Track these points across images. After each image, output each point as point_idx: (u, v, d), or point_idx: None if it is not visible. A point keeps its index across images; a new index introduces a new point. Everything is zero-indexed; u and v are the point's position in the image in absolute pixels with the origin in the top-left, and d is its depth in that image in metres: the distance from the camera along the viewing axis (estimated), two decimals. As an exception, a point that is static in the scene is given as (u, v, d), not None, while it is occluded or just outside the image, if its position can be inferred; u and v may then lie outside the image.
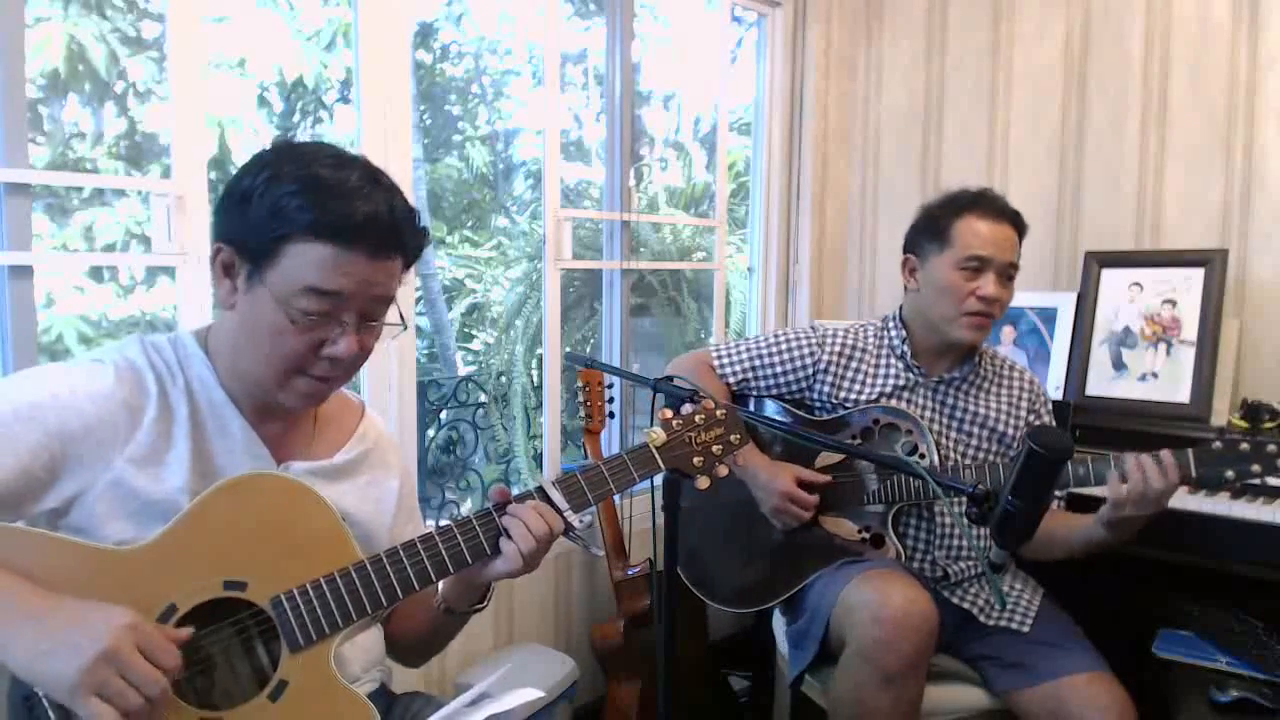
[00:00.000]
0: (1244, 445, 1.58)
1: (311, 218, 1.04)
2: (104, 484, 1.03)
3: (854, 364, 1.90)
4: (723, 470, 1.25)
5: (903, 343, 1.88)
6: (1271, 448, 1.58)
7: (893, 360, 1.89)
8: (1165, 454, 1.55)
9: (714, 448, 1.24)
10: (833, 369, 1.90)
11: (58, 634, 0.90)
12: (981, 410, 1.86)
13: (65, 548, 0.99)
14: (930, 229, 1.84)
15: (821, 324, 2.00)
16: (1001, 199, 1.84)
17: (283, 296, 1.05)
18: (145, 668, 0.90)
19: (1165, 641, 1.86)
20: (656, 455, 1.21)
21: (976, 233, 1.77)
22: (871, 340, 1.92)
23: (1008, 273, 1.79)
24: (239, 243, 1.07)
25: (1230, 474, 1.58)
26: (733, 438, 1.25)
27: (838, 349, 1.91)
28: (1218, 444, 1.60)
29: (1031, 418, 1.89)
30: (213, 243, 1.10)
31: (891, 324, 1.92)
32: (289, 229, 1.04)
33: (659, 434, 1.22)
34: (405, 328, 1.17)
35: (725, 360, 1.95)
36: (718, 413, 1.25)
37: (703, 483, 1.24)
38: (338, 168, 1.08)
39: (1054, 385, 2.42)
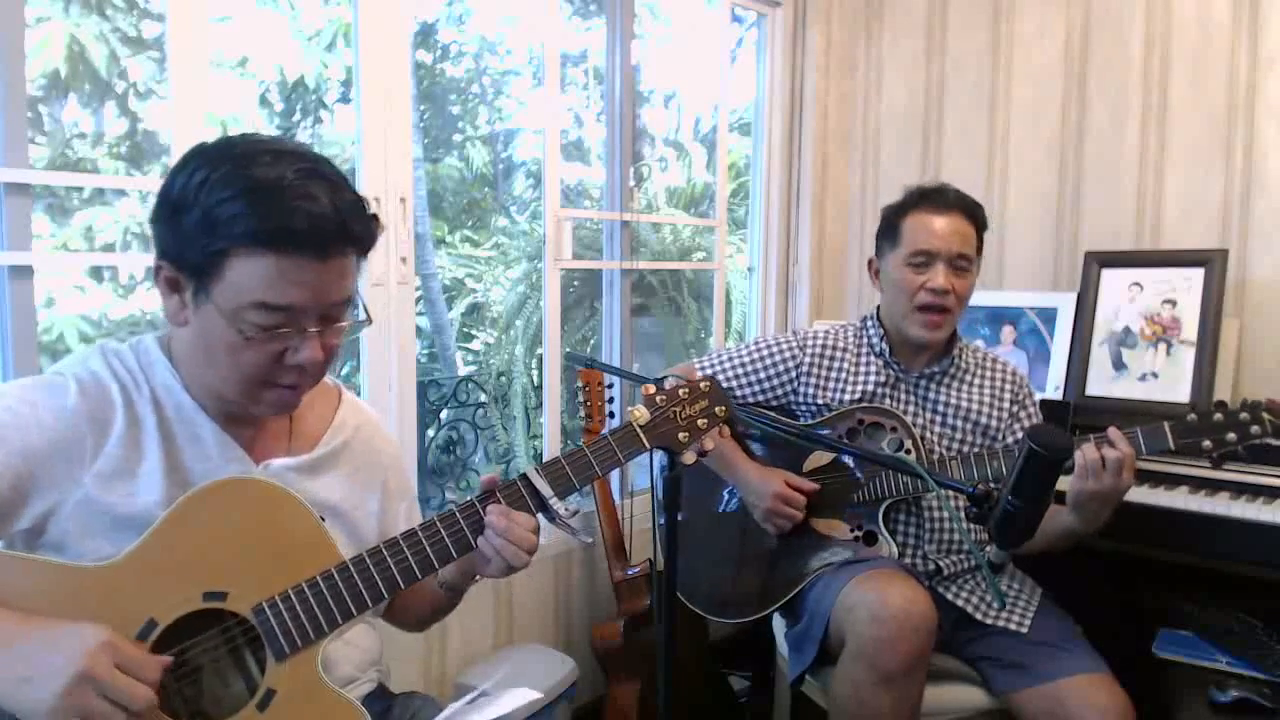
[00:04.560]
0: (1217, 415, 1.60)
1: (249, 226, 0.96)
2: (74, 502, 1.00)
3: (835, 364, 1.92)
4: (709, 444, 1.22)
5: (881, 340, 1.90)
6: (1244, 415, 1.59)
7: (872, 358, 1.91)
8: (1111, 430, 1.59)
9: (699, 421, 1.21)
10: (816, 371, 1.92)
11: (33, 659, 0.88)
12: (964, 403, 1.88)
13: (40, 569, 0.97)
14: (885, 230, 1.89)
15: (800, 328, 2.02)
16: (954, 191, 1.86)
17: (231, 313, 0.99)
18: (127, 684, 0.88)
19: (1165, 641, 1.86)
20: (641, 434, 1.18)
21: (923, 227, 1.81)
22: (851, 340, 1.94)
23: (958, 264, 1.81)
24: (178, 258, 1.00)
25: (1207, 443, 1.60)
26: (718, 410, 1.22)
27: (817, 350, 1.93)
28: (1191, 416, 1.61)
29: (1015, 408, 1.90)
30: (155, 258, 1.03)
31: (870, 323, 1.95)
32: (226, 242, 0.97)
33: (642, 412, 1.18)
34: (370, 322, 1.11)
35: (710, 371, 1.97)
36: (702, 385, 1.22)
37: (689, 457, 1.21)
38: (274, 164, 0.99)
39: (1054, 385, 2.42)
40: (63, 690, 0.86)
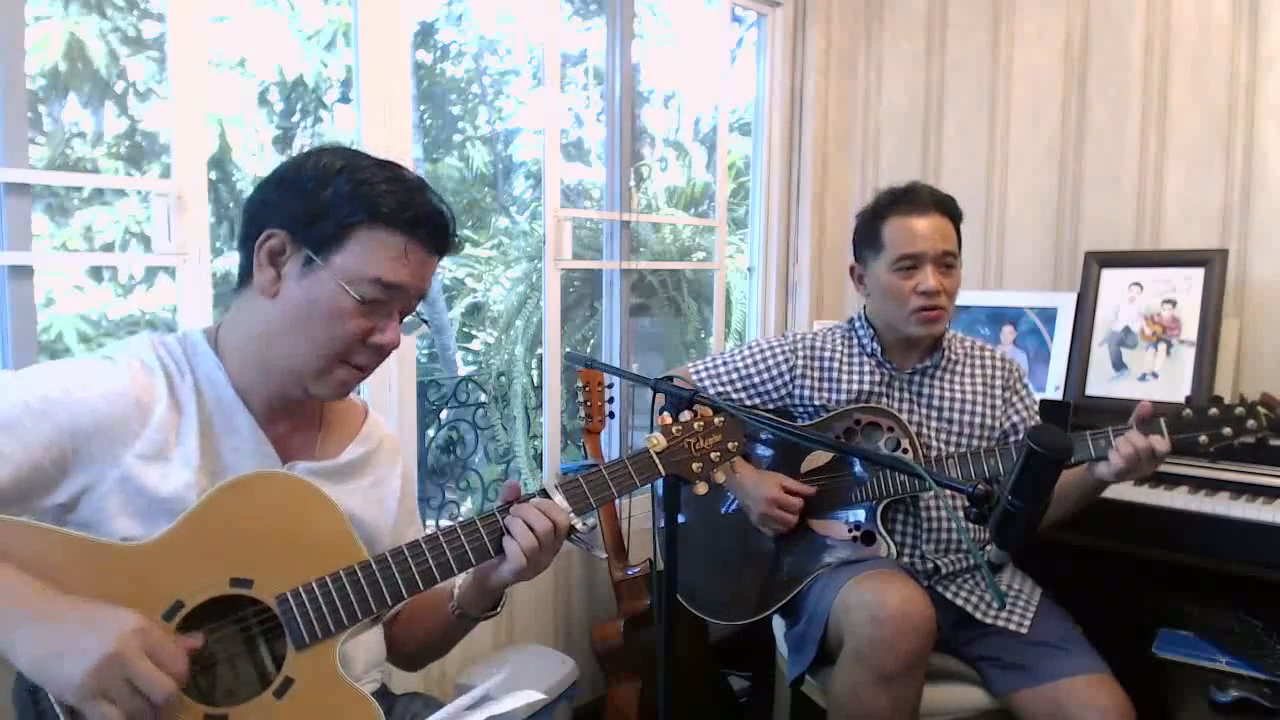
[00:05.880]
0: (1213, 410, 1.61)
1: (393, 208, 1.09)
2: (112, 480, 1.03)
3: (827, 366, 1.92)
4: (720, 476, 1.27)
5: (872, 340, 1.90)
6: (1239, 410, 1.60)
7: (864, 358, 1.91)
8: (1151, 439, 1.58)
9: (712, 454, 1.26)
10: (809, 373, 1.92)
11: (66, 636, 0.90)
12: (957, 395, 1.88)
13: (72, 543, 0.99)
14: (865, 236, 1.87)
15: (793, 331, 2.02)
16: (927, 190, 1.85)
17: (349, 279, 1.09)
18: (153, 673, 0.90)
19: (1165, 641, 1.86)
20: (657, 460, 1.23)
21: (905, 230, 1.80)
22: (840, 342, 1.94)
23: (945, 261, 1.80)
24: (298, 228, 1.09)
25: (1203, 438, 1.60)
26: (730, 445, 1.27)
27: (808, 352, 1.93)
28: (1187, 411, 1.62)
29: (1008, 394, 1.90)
30: (262, 229, 1.10)
31: (859, 324, 1.94)
32: (362, 215, 1.08)
33: (660, 439, 1.23)
34: (428, 323, 1.19)
35: (705, 376, 1.96)
36: (716, 420, 1.27)
37: (701, 488, 1.25)
38: (386, 165, 1.13)
39: (1054, 385, 2.42)
40: (92, 669, 0.88)
